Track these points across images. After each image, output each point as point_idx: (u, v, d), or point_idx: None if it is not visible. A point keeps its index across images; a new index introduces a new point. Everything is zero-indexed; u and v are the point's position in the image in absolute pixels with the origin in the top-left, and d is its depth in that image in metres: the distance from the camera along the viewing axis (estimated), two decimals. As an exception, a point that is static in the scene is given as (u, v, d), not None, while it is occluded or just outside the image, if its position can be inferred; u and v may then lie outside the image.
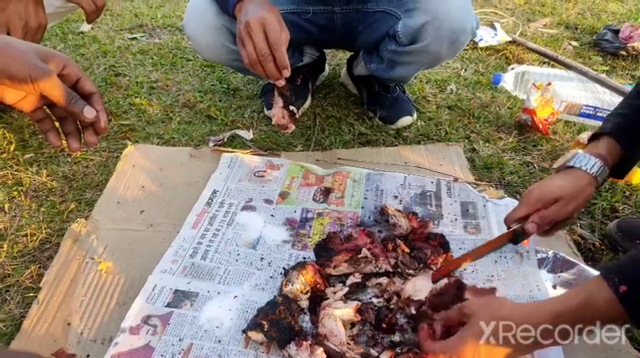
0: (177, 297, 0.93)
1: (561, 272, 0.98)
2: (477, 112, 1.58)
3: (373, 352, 0.86)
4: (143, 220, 1.13)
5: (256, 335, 0.85)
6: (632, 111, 0.94)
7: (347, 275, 0.99)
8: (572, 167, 0.92)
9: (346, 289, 0.95)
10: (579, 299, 0.68)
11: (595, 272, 0.98)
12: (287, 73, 1.08)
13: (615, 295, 0.65)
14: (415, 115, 1.54)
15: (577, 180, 0.90)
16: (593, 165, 0.90)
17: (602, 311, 0.66)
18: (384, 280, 0.96)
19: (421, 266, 1.00)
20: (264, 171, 1.29)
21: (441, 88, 1.73)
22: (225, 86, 1.72)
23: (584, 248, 1.11)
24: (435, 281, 0.94)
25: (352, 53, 1.66)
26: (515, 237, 0.96)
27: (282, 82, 1.11)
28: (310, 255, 1.05)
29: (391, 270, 0.99)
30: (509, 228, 0.96)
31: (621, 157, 0.92)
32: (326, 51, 1.73)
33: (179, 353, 0.83)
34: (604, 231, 1.15)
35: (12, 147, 1.35)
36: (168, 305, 0.92)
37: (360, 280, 0.97)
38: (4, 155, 1.33)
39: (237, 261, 1.03)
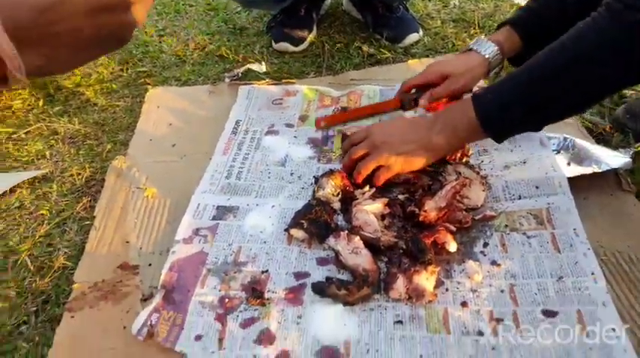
0: (220, 211, 1.02)
1: (573, 150, 1.04)
2: (482, 22, 1.60)
3: (402, 243, 0.93)
4: (176, 152, 1.21)
5: (297, 233, 0.93)
6: (538, 5, 1.04)
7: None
8: (471, 49, 1.05)
9: (373, 189, 1.02)
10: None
11: (606, 150, 1.04)
12: None
13: (474, 96, 0.82)
14: (421, 32, 1.57)
15: (471, 60, 1.03)
16: (487, 49, 1.02)
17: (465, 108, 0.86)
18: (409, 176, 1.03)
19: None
20: (281, 99, 1.35)
21: (444, 3, 1.74)
22: (232, 26, 1.75)
23: (595, 133, 1.16)
24: (317, 128, 1.21)
25: (352, -22, 1.67)
26: (404, 105, 1.16)
27: None
28: (336, 166, 1.11)
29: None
30: (403, 93, 1.15)
31: (520, 47, 1.03)
32: (326, -21, 1.74)
33: (230, 255, 0.92)
34: (613, 116, 1.20)
35: (40, 103, 1.41)
36: (214, 218, 1.00)
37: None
38: (35, 110, 1.39)
39: (269, 177, 1.11)
